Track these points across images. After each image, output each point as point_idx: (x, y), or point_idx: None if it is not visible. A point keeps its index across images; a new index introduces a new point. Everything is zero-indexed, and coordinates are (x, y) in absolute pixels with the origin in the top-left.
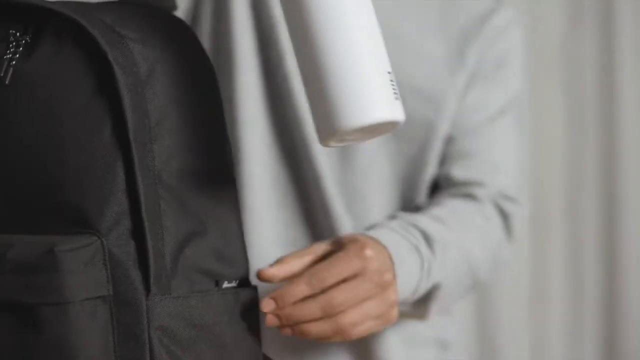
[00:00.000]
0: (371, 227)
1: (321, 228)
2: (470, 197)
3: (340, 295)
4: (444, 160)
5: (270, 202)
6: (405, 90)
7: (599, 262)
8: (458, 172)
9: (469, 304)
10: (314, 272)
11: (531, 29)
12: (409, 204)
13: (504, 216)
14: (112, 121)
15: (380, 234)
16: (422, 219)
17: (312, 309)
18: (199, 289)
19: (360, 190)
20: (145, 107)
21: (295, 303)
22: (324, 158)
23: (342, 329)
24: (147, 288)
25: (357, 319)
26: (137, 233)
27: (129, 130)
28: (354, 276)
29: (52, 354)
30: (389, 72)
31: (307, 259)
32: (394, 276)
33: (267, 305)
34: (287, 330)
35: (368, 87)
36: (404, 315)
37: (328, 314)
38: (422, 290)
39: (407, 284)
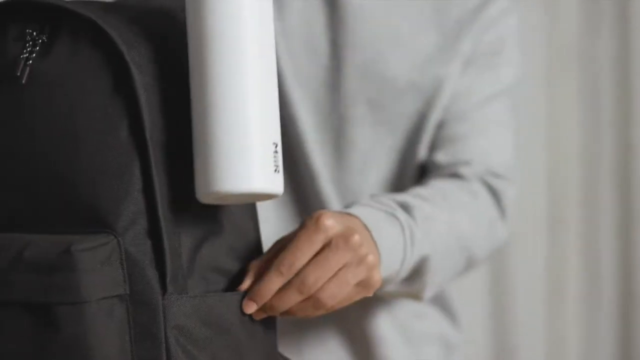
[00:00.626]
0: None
1: None
2: (456, 175)
3: (311, 274)
4: (433, 145)
5: (268, 201)
6: (400, 85)
7: (616, 260)
8: (443, 156)
9: (485, 302)
10: (281, 260)
11: (547, 28)
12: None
13: (493, 193)
14: (128, 120)
15: (348, 210)
16: (400, 195)
17: (291, 295)
18: (215, 289)
19: (356, 189)
20: (161, 106)
21: (274, 296)
22: (319, 157)
23: (322, 302)
24: (164, 287)
25: (335, 290)
26: (154, 232)
27: (145, 130)
28: (320, 250)
29: (69, 353)
30: (274, 144)
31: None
32: (373, 240)
33: (249, 307)
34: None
35: (250, 156)
36: (400, 295)
37: (307, 294)
38: (410, 261)
39: (392, 251)
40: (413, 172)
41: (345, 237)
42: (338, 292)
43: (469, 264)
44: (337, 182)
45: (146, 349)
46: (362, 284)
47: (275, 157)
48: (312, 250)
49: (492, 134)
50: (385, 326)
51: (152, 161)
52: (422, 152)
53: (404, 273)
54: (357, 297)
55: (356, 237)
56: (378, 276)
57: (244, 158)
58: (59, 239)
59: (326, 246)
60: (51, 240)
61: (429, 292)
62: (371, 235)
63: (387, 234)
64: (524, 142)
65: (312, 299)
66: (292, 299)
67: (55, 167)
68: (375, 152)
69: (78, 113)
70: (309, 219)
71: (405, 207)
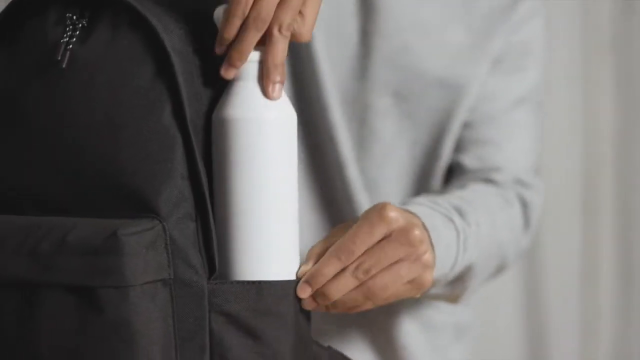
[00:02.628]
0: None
1: (343, 214)
2: (491, 181)
3: (368, 261)
4: (459, 147)
5: None
6: (428, 78)
7: None
8: (472, 161)
9: (518, 288)
10: (340, 246)
11: (581, 19)
12: (425, 191)
13: (523, 204)
14: (170, 104)
15: (408, 207)
16: (449, 197)
17: (345, 281)
18: None
19: (377, 180)
20: (200, 93)
21: (329, 281)
22: (347, 145)
23: (372, 292)
24: (209, 272)
25: (388, 281)
26: (198, 216)
27: (186, 115)
28: (380, 240)
29: (112, 336)
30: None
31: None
32: (430, 240)
33: (303, 291)
34: (322, 308)
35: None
36: (438, 298)
37: (361, 280)
38: (459, 265)
39: (446, 254)
40: (434, 169)
41: (406, 231)
42: (391, 285)
43: (500, 270)
44: (361, 172)
45: (190, 333)
46: (415, 281)
47: None
48: (372, 239)
49: (519, 138)
50: (411, 332)
51: (195, 145)
52: (446, 151)
53: (451, 277)
54: (406, 295)
55: (417, 234)
56: (430, 277)
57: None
58: (104, 223)
59: (386, 237)
60: (96, 224)
61: (467, 296)
62: (429, 236)
63: (444, 236)
64: (559, 129)
65: (364, 288)
66: (346, 285)
67: (98, 152)
68: (397, 145)
69: (119, 98)
70: (372, 209)
71: (459, 212)
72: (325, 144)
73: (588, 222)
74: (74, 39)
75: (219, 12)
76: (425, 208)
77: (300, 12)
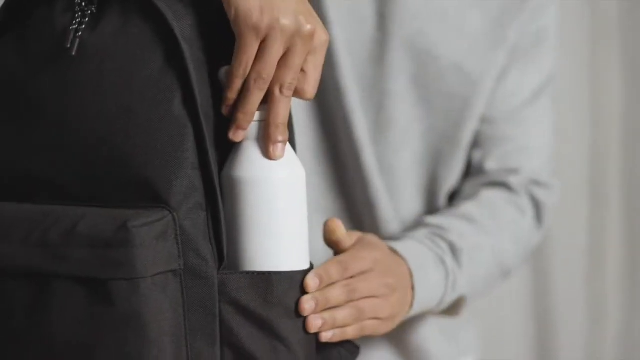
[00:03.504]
0: (399, 236)
1: (357, 200)
2: (505, 186)
3: (359, 283)
4: (478, 143)
5: (309, 170)
6: (444, 64)
7: None
8: (491, 162)
9: (525, 279)
10: (341, 261)
11: (589, 4)
12: (441, 183)
13: (537, 205)
14: (181, 93)
15: (403, 246)
16: (452, 224)
17: (338, 291)
18: None
19: (393, 166)
20: (212, 80)
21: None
22: (363, 130)
23: (362, 312)
24: (219, 262)
25: (370, 310)
26: (208, 206)
27: (197, 104)
28: (369, 270)
29: (123, 327)
30: None
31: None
32: (412, 287)
33: (313, 281)
34: (327, 334)
35: None
36: (436, 314)
37: (350, 299)
38: (447, 301)
39: (431, 294)
40: (451, 157)
41: (384, 274)
42: (370, 312)
43: (504, 279)
44: (376, 157)
45: (200, 323)
46: (383, 321)
47: None
48: (366, 266)
49: (538, 135)
50: (432, 335)
51: (206, 135)
52: (465, 141)
53: (441, 308)
54: (370, 331)
55: (391, 282)
56: (394, 325)
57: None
58: (114, 213)
59: (372, 270)
60: (106, 214)
61: (464, 312)
62: (412, 277)
63: (431, 277)
64: (566, 115)
65: (353, 306)
66: (338, 295)
67: (108, 141)
68: (413, 131)
69: (129, 86)
70: (366, 242)
71: (454, 251)
72: (340, 127)
73: (595, 213)
74: (83, 26)
75: (222, 72)
76: (420, 246)
77: (302, 70)
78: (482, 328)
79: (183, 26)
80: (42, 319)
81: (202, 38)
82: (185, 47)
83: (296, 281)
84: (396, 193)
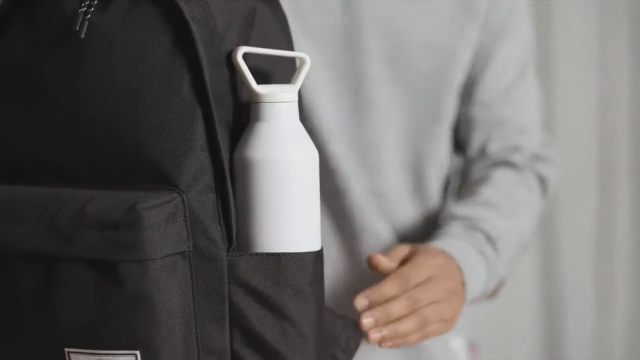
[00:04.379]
0: (437, 235)
1: (328, 188)
2: (511, 165)
3: (422, 293)
4: (476, 128)
5: None
6: (417, 42)
7: None
8: (494, 146)
9: (534, 261)
10: (400, 274)
11: None
12: (427, 160)
13: (541, 179)
14: (190, 76)
15: (448, 245)
16: (479, 214)
17: (400, 305)
18: None
19: (376, 146)
20: (222, 61)
21: (385, 301)
22: (334, 118)
23: (426, 320)
24: (228, 244)
25: (435, 316)
26: (217, 188)
27: (207, 86)
28: (429, 279)
29: (132, 309)
30: None
31: (395, 263)
32: (463, 283)
33: (360, 302)
34: (387, 344)
35: None
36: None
37: (413, 309)
38: (490, 289)
39: (477, 286)
40: (434, 134)
41: (446, 280)
42: (435, 317)
43: (524, 254)
44: (356, 139)
45: (209, 304)
46: (447, 322)
47: None
48: (425, 275)
49: (530, 111)
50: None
51: (215, 117)
52: (447, 116)
53: (482, 297)
54: (439, 333)
55: (454, 284)
56: (457, 321)
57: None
58: (123, 195)
59: (434, 278)
60: (114, 196)
61: (498, 295)
62: (463, 277)
63: (477, 274)
64: (575, 102)
65: (417, 314)
66: (400, 308)
67: (117, 124)
68: (394, 111)
69: (138, 69)
70: (423, 254)
71: (491, 241)
72: (310, 115)
73: (604, 199)
74: (92, 9)
75: (236, 53)
76: (460, 242)
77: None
78: (490, 314)
79: (192, 7)
80: (51, 301)
81: (213, 18)
82: (194, 28)
83: (306, 262)
84: (382, 172)
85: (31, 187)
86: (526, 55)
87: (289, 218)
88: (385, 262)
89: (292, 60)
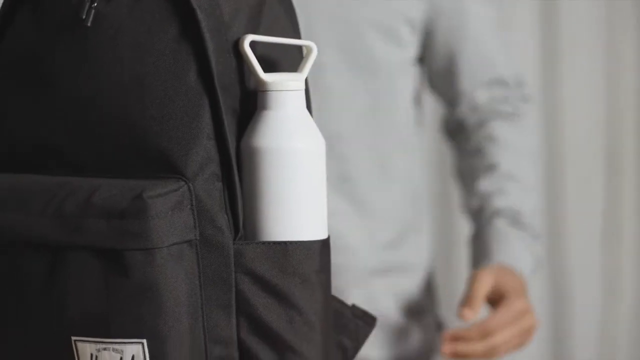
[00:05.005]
0: (489, 241)
1: None
2: (507, 116)
3: (499, 337)
4: (458, 81)
5: None
6: (363, 26)
7: None
8: (481, 94)
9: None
10: (485, 327)
11: None
12: (388, 139)
13: (527, 100)
14: (196, 65)
15: (507, 256)
16: (513, 198)
17: (477, 349)
18: None
19: (338, 130)
20: (229, 50)
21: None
22: None
23: (495, 348)
24: (234, 232)
25: (524, 335)
26: (224, 177)
27: (213, 75)
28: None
29: (139, 298)
30: None
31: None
32: (524, 285)
33: (448, 348)
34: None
35: None
36: None
37: (514, 333)
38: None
39: (531, 277)
40: (393, 108)
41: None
42: (508, 339)
43: None
44: (319, 127)
45: (216, 293)
46: (523, 336)
47: None
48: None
49: (494, 38)
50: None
51: (222, 105)
52: (404, 92)
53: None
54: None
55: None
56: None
57: None
58: (129, 184)
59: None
60: (121, 185)
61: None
62: (523, 283)
63: (529, 268)
64: (582, 85)
65: (486, 343)
66: (476, 352)
67: (124, 112)
68: (352, 97)
69: (145, 58)
70: (518, 305)
71: (534, 235)
72: None
73: (610, 183)
74: None
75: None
76: (512, 248)
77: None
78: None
79: None
80: (57, 290)
81: (219, 6)
82: (201, 16)
83: (313, 251)
84: (348, 157)
85: (37, 176)
86: (494, 11)
87: (295, 206)
88: (471, 315)
89: (299, 48)
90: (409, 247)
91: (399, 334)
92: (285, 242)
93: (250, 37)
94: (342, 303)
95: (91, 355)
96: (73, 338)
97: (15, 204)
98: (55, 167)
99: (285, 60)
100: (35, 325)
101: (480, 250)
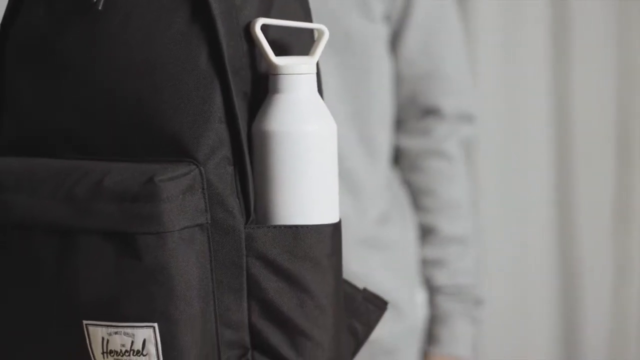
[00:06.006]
0: (438, 319)
1: None
2: (440, 154)
3: None
4: (401, 81)
5: None
6: (334, 3)
7: None
8: (421, 102)
9: (552, 228)
10: None
11: None
12: (367, 115)
13: (466, 145)
14: (207, 49)
15: (453, 347)
16: (459, 270)
17: None
18: None
19: None
20: (240, 33)
21: None
22: None
23: None
24: (246, 216)
25: None
26: (235, 161)
27: (224, 58)
28: None
29: (150, 281)
30: None
31: None
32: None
33: None
34: None
35: None
36: None
37: None
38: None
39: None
40: (367, 87)
41: None
42: None
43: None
44: None
45: (227, 277)
46: None
47: None
48: None
49: (454, 62)
50: None
51: (233, 89)
52: (381, 69)
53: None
54: None
55: None
56: None
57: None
58: (140, 167)
59: None
60: (132, 169)
61: None
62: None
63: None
64: (592, 71)
65: None
66: None
67: (135, 96)
68: (329, 72)
69: (156, 41)
70: None
71: (477, 303)
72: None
73: (621, 169)
74: None
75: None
76: (461, 333)
77: None
78: (508, 287)
79: None
80: (69, 274)
81: None
82: (212, 0)
83: (324, 234)
84: None
85: (49, 160)
86: (444, 5)
87: (306, 190)
88: None
89: (310, 32)
90: (397, 223)
91: (394, 308)
92: (296, 226)
93: (261, 21)
94: (353, 287)
95: (102, 339)
96: (84, 322)
97: (27, 187)
98: (67, 151)
99: (296, 43)
100: (47, 309)
101: (432, 333)
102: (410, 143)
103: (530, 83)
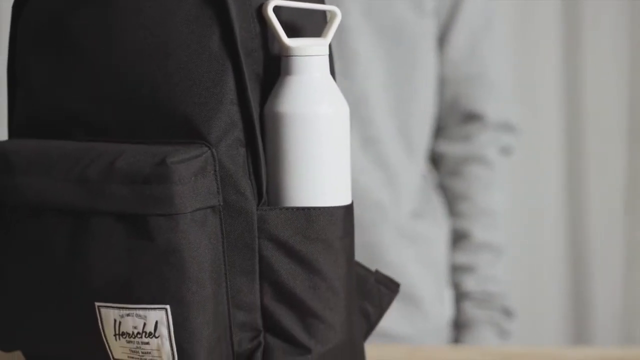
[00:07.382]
0: (464, 324)
1: None
2: (479, 160)
3: None
4: (445, 83)
5: None
6: None
7: None
8: (462, 106)
9: (562, 218)
10: None
11: None
12: (411, 105)
13: (507, 153)
14: (219, 30)
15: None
16: (491, 279)
17: None
18: None
19: (364, 93)
20: (253, 15)
21: None
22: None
23: None
24: (258, 198)
25: None
26: (247, 143)
27: (236, 40)
28: None
29: (162, 263)
30: None
31: None
32: None
33: None
34: None
35: None
36: None
37: None
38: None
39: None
40: (413, 76)
41: None
42: None
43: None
44: (344, 90)
45: (239, 259)
46: None
47: None
48: None
49: (498, 66)
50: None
51: (245, 71)
52: (426, 63)
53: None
54: None
55: None
56: None
57: None
58: (152, 149)
59: None
60: (144, 151)
61: None
62: None
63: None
64: (605, 64)
65: None
66: None
67: (147, 78)
68: (375, 60)
69: (168, 23)
70: None
71: (508, 314)
72: None
73: (633, 160)
74: None
75: (266, 7)
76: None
77: None
78: (518, 275)
79: None
80: (81, 256)
81: None
82: None
83: (336, 217)
84: (368, 117)
85: (61, 142)
86: (492, 10)
87: (319, 172)
88: None
89: (323, 13)
90: (429, 222)
91: (422, 304)
92: (308, 208)
93: (274, 2)
94: (365, 269)
95: (115, 321)
96: (97, 304)
97: (39, 169)
98: (79, 133)
99: (309, 25)
100: (59, 291)
101: (457, 339)
102: (451, 149)
103: (541, 79)
